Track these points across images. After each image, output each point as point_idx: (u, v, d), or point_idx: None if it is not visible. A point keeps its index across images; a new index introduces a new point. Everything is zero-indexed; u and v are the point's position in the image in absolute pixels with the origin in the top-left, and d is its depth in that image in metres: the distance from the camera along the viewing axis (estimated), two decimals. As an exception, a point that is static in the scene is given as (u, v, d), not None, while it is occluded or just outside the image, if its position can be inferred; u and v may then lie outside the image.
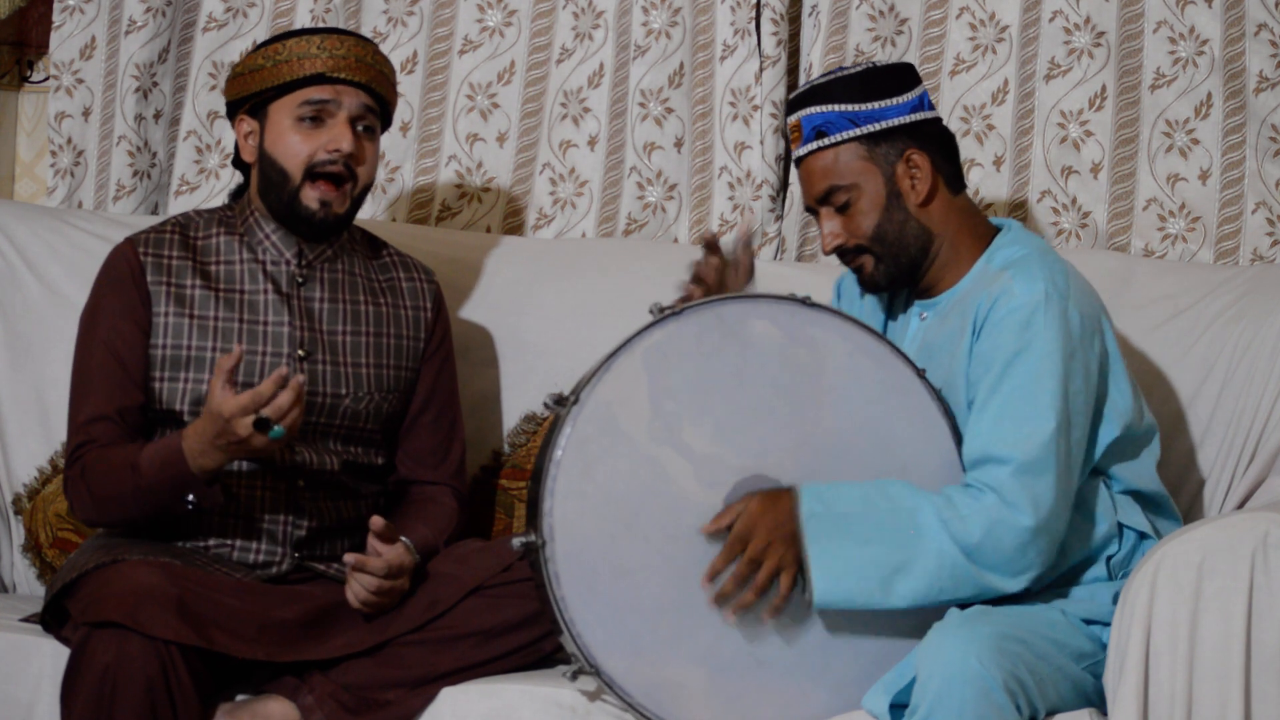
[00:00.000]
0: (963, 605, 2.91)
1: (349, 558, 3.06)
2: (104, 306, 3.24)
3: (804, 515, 2.87)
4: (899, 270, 3.07)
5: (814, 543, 2.86)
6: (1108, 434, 3.01)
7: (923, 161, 3.04)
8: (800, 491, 2.89)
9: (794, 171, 3.75)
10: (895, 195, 3.04)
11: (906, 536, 2.87)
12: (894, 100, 3.04)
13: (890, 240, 3.05)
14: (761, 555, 2.88)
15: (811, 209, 3.09)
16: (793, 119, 3.08)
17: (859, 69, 3.07)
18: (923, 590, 2.88)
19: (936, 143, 3.07)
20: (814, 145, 3.05)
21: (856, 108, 3.03)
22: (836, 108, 3.03)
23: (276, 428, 2.96)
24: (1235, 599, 2.75)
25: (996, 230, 3.11)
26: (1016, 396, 2.90)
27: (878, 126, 3.03)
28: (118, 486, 3.12)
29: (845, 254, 3.09)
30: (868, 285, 3.09)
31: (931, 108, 3.09)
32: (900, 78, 3.07)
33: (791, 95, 3.12)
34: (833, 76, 3.07)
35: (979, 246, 3.08)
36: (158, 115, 3.94)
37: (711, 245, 3.10)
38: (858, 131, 3.03)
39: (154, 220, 3.69)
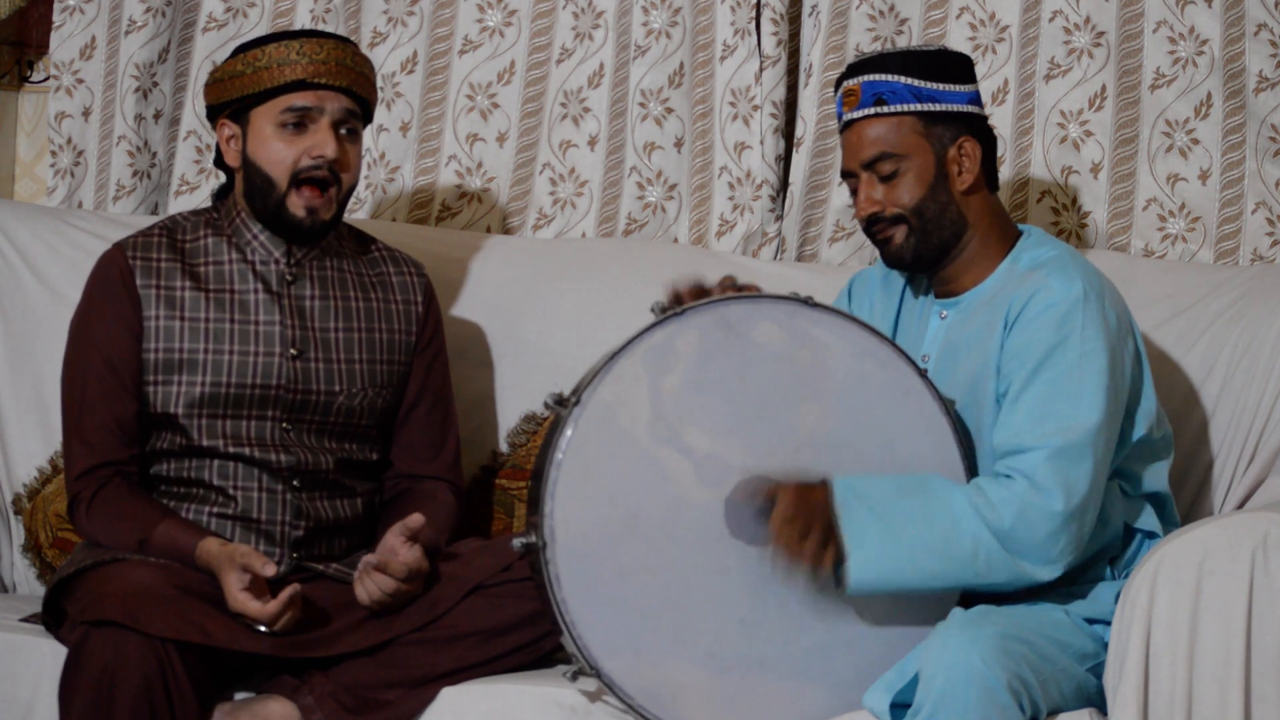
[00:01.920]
0: (966, 604, 2.92)
1: (369, 558, 3.06)
2: (96, 315, 3.24)
3: (837, 504, 2.86)
4: (927, 249, 3.08)
5: (849, 529, 2.85)
6: (1133, 435, 3.02)
7: (974, 151, 3.07)
8: (833, 483, 2.88)
9: (794, 171, 3.76)
10: (943, 177, 3.06)
11: (941, 523, 2.86)
12: (957, 87, 3.08)
13: (929, 217, 3.06)
14: (806, 530, 2.87)
15: (850, 173, 3.10)
16: (852, 82, 3.09)
17: (930, 48, 3.12)
18: (955, 574, 2.87)
19: (986, 138, 3.10)
20: (871, 110, 3.07)
21: (921, 84, 3.05)
22: (902, 79, 3.05)
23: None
24: (1235, 599, 2.76)
25: (1019, 234, 3.13)
26: (1055, 389, 2.91)
27: (938, 107, 3.06)
28: (122, 542, 3.14)
29: (878, 222, 3.09)
30: (892, 258, 3.10)
31: (983, 106, 3.13)
32: (964, 68, 3.11)
33: (853, 60, 3.13)
34: (901, 49, 3.12)
35: (1004, 247, 3.10)
36: (158, 115, 3.94)
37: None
38: (919, 107, 3.05)
39: (152, 221, 3.69)
